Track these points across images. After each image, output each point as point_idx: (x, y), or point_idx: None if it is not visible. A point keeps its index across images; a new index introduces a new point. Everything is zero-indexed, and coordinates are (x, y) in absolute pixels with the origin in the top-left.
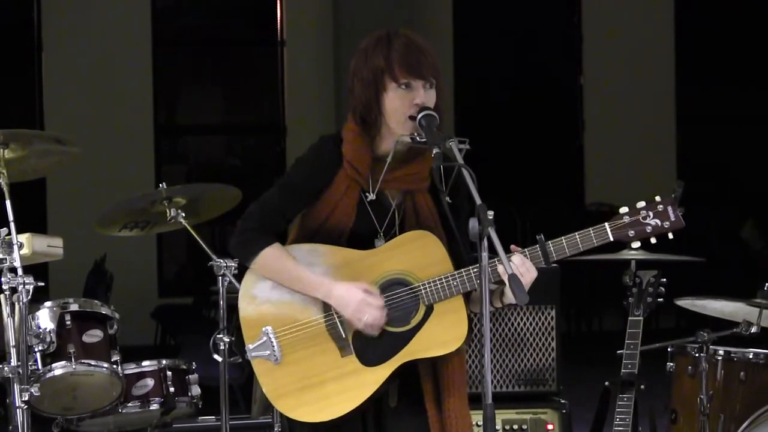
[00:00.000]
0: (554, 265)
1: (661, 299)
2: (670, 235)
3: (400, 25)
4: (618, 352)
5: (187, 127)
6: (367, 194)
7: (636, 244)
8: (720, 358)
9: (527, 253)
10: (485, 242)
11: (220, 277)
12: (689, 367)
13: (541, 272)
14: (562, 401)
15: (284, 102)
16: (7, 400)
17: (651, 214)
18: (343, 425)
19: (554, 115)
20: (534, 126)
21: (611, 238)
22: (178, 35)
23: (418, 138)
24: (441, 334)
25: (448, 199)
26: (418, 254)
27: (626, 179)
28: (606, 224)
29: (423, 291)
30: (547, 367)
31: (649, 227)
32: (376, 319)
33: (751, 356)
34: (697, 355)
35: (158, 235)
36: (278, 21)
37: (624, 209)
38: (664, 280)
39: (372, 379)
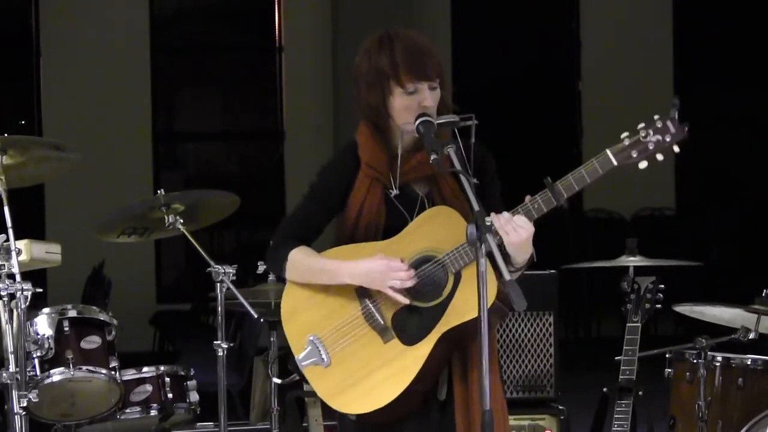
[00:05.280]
0: (552, 271)
1: (660, 305)
2: (676, 148)
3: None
4: (616, 358)
5: (185, 133)
6: (391, 191)
7: (643, 164)
8: (718, 364)
9: (539, 198)
10: (483, 249)
11: (218, 284)
12: (687, 373)
13: (539, 278)
14: (560, 407)
15: (283, 108)
16: (6, 407)
17: (651, 131)
18: (394, 423)
19: (552, 121)
20: (532, 132)
21: (615, 163)
22: (177, 41)
23: (421, 128)
24: (473, 297)
25: (475, 180)
26: (439, 229)
27: (624, 185)
28: (607, 150)
29: (448, 260)
30: (545, 373)
31: (652, 144)
32: (403, 278)
33: (749, 362)
34: (695, 361)
35: (156, 242)
36: (277, 27)
37: (624, 133)
38: (663, 286)
39: (417, 355)
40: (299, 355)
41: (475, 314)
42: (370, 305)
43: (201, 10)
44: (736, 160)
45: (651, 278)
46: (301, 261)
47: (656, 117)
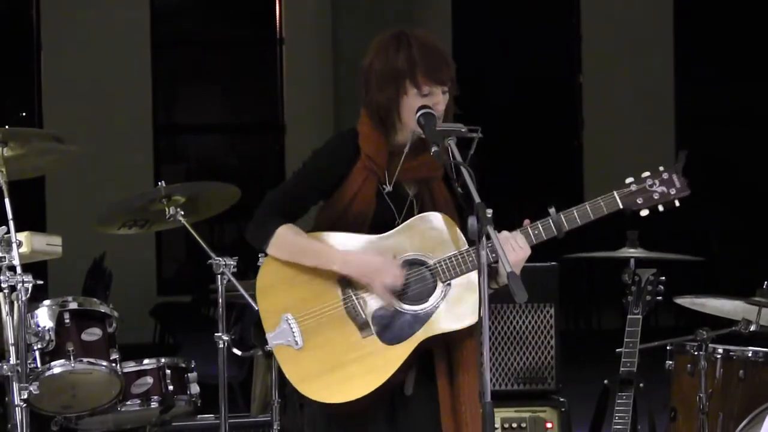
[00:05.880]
0: (553, 263)
1: (660, 297)
2: (677, 202)
3: (398, 23)
4: (617, 350)
5: (186, 125)
6: (384, 186)
7: (644, 212)
8: (719, 356)
9: (540, 225)
10: (484, 241)
11: (219, 276)
12: (688, 366)
13: (540, 270)
14: (561, 399)
15: (283, 101)
16: (6, 399)
17: (657, 182)
18: (358, 413)
19: (553, 113)
20: (533, 124)
21: (621, 206)
22: (177, 34)
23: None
24: (458, 310)
25: (459, 189)
26: (433, 234)
27: (625, 177)
28: (615, 192)
29: (440, 268)
30: (546, 366)
31: (657, 194)
32: (396, 279)
33: (750, 354)
34: (696, 353)
35: (157, 234)
36: (277, 20)
37: (629, 179)
38: (663, 278)
39: (393, 357)
40: (270, 333)
41: (458, 327)
42: (354, 297)
43: (202, 3)
44: (737, 152)
45: (652, 270)
46: (289, 238)
47: (662, 168)
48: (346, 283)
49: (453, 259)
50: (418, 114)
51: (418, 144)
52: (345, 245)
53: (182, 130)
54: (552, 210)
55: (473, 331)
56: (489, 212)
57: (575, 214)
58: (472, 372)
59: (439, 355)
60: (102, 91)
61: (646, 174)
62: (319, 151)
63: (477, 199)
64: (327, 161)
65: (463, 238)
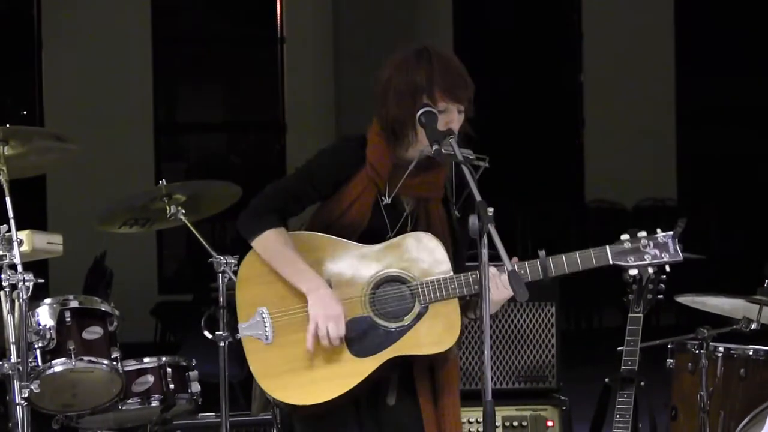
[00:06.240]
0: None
1: (661, 296)
2: (667, 268)
3: (400, 22)
4: (618, 348)
5: (187, 124)
6: (383, 198)
7: (633, 271)
8: (720, 354)
9: (527, 266)
10: (485, 239)
11: (220, 274)
12: (689, 364)
13: None
14: (562, 398)
15: (284, 99)
16: (7, 397)
17: (651, 244)
18: (334, 415)
19: (554, 112)
20: (534, 123)
21: (611, 262)
22: (178, 32)
23: (443, 151)
24: (433, 334)
25: (456, 212)
26: (419, 254)
27: (626, 176)
28: (607, 247)
29: (420, 290)
30: (547, 364)
31: (648, 256)
32: (332, 336)
33: (751, 353)
34: (697, 351)
35: (158, 232)
36: (278, 18)
37: (625, 236)
38: (664, 276)
39: (360, 369)
40: (243, 323)
41: (428, 351)
42: None
43: (202, 2)
44: (738, 151)
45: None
46: (274, 243)
47: (659, 232)
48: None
49: (436, 282)
50: (420, 112)
51: (425, 162)
52: (333, 252)
53: (183, 129)
54: (542, 253)
55: (449, 355)
56: (490, 210)
57: (564, 260)
58: (453, 393)
59: (421, 375)
60: (103, 89)
61: (642, 234)
62: (324, 151)
63: (478, 197)
64: (331, 163)
65: (450, 265)
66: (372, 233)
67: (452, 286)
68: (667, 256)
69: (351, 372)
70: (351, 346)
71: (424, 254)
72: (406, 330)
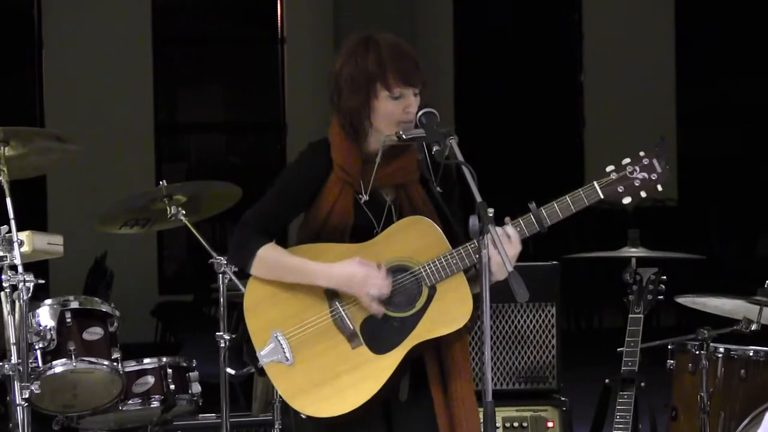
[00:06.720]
0: (554, 262)
1: (662, 297)
2: (659, 188)
3: (400, 21)
4: (618, 349)
5: (187, 124)
6: (361, 196)
7: (627, 200)
8: (720, 355)
9: (521, 222)
10: (486, 240)
11: (220, 275)
12: (690, 365)
13: (541, 269)
14: (563, 399)
15: (284, 99)
16: (8, 398)
17: (637, 168)
18: (354, 422)
19: (554, 112)
20: (534, 123)
21: (601, 196)
22: (179, 32)
23: (404, 136)
24: (446, 313)
25: (438, 188)
26: (414, 239)
27: None
28: (594, 182)
29: (424, 273)
30: (548, 365)
31: (638, 181)
32: (382, 288)
33: (751, 354)
34: (697, 352)
35: (158, 233)
36: (278, 18)
37: (610, 167)
38: (665, 277)
39: (384, 366)
40: (261, 351)
41: (446, 331)
42: (340, 309)
43: (203, 2)
44: (737, 151)
45: (653, 269)
46: (271, 258)
47: (642, 154)
48: (332, 294)
49: (437, 262)
50: (420, 114)
51: (391, 150)
52: (328, 256)
53: (183, 129)
54: (532, 205)
55: (462, 334)
56: (490, 211)
57: (556, 207)
58: (464, 377)
59: (430, 361)
60: (103, 89)
61: (627, 161)
62: (291, 166)
63: (479, 198)
64: (300, 176)
65: (445, 240)
66: (360, 232)
67: (454, 261)
68: (656, 176)
69: (377, 371)
70: (371, 345)
71: (418, 237)
72: (420, 315)
